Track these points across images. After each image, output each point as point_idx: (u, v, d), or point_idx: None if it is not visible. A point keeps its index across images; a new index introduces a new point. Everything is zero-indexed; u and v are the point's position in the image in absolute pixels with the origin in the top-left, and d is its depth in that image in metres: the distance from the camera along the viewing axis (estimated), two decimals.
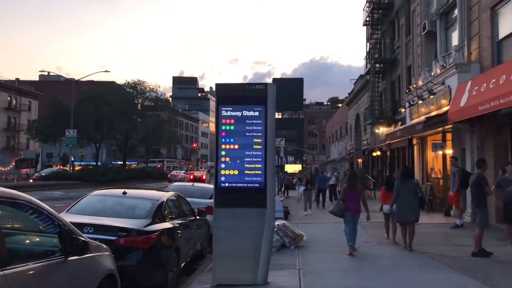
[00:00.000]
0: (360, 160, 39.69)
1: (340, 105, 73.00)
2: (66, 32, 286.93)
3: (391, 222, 10.88)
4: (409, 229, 9.65)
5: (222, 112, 6.88)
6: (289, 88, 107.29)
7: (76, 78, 46.33)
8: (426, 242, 10.43)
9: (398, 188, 9.82)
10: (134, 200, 7.51)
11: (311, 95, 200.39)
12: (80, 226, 5.92)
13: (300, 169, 35.87)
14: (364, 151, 36.49)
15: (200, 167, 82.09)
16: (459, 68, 14.03)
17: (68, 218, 6.01)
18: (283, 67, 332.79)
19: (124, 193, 7.56)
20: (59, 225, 4.09)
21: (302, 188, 19.88)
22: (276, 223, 10.80)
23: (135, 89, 53.93)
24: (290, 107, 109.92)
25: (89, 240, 4.52)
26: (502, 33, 12.65)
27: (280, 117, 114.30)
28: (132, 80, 54.43)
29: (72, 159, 49.44)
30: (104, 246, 5.13)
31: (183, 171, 58.33)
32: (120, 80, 62.80)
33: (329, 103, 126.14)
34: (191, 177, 44.82)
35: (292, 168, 54.77)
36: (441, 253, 9.08)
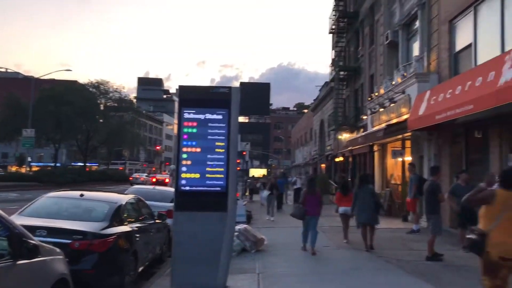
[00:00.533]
0: (323, 165, 40.29)
1: (306, 110, 73.95)
2: (27, 29, 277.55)
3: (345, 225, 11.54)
4: (370, 230, 10.26)
5: (185, 114, 6.81)
6: (256, 93, 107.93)
7: (36, 76, 44.72)
8: (384, 246, 10.69)
9: (356, 193, 10.54)
10: (91, 202, 7.31)
11: (278, 100, 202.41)
12: (33, 229, 5.70)
13: (265, 173, 36.08)
14: (327, 157, 37.08)
15: (163, 170, 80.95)
16: (419, 78, 14.51)
17: (21, 220, 5.81)
18: (250, 71, 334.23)
19: (81, 195, 7.36)
20: (8, 228, 3.93)
21: (266, 192, 19.52)
22: (238, 227, 10.81)
23: (98, 89, 52.67)
24: (256, 111, 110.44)
25: (40, 243, 4.36)
26: (459, 45, 13.19)
27: (246, 121, 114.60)
28: (95, 79, 53.21)
29: (30, 159, 47.76)
30: (57, 249, 4.97)
31: (146, 174, 57.29)
32: (83, 80, 61.34)
33: (295, 109, 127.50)
34: (154, 180, 44.11)
35: (257, 172, 55.07)
36: (397, 257, 9.32)
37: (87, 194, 7.52)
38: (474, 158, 12.55)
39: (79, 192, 7.46)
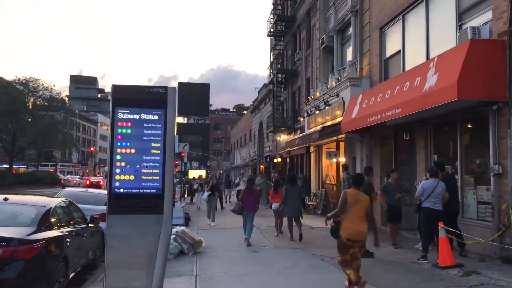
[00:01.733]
0: (262, 166, 40.72)
1: (245, 112, 74.40)
2: None
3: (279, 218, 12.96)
4: (296, 223, 11.87)
5: (119, 114, 6.58)
6: (195, 93, 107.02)
7: None
8: (318, 244, 11.02)
9: (287, 191, 12.07)
10: (17, 206, 6.88)
11: (217, 101, 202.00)
12: None
13: (202, 174, 35.67)
14: (266, 158, 37.53)
15: (98, 172, 77.90)
16: (352, 82, 15.10)
17: None
18: (190, 72, 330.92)
19: (6, 199, 6.90)
20: None
21: (206, 194, 17.48)
22: (175, 229, 10.67)
23: (26, 87, 49.73)
24: (195, 112, 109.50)
25: None
26: (389, 52, 13.89)
27: (185, 122, 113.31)
28: (23, 76, 50.19)
29: None
30: None
31: (79, 176, 54.93)
32: (10, 77, 57.57)
33: (234, 110, 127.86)
34: (88, 182, 42.29)
35: (196, 173, 54.46)
36: (331, 255, 9.59)
37: (12, 198, 7.07)
38: (403, 159, 13.27)
39: (3, 196, 7.00)
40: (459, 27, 10.07)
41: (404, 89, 10.57)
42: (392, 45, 13.67)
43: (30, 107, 50.28)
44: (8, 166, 50.28)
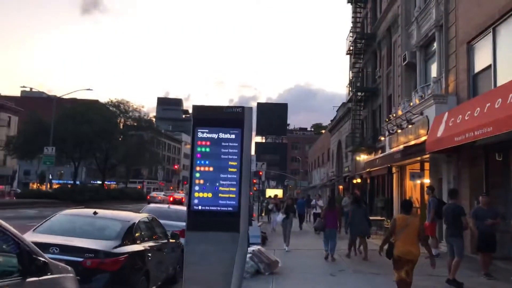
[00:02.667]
0: (341, 186, 39.85)
1: (323, 131, 73.72)
2: (51, 48, 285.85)
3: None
4: (363, 242, 12.62)
5: (198, 133, 6.81)
6: (273, 113, 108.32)
7: (58, 95, 45.79)
8: None
9: (353, 212, 13.00)
10: (104, 220, 7.33)
11: (295, 121, 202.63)
12: (46, 246, 5.74)
13: (279, 194, 35.16)
14: (345, 178, 36.70)
15: (181, 189, 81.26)
16: (437, 99, 14.34)
17: (34, 237, 5.86)
18: (268, 92, 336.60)
19: (95, 213, 7.39)
20: (18, 245, 3.94)
21: (281, 216, 15.90)
22: (252, 248, 10.71)
23: (118, 108, 53.63)
24: (273, 131, 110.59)
25: (51, 261, 4.35)
26: (478, 67, 13.03)
27: (263, 141, 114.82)
28: (115, 99, 54.22)
29: (50, 177, 48.53)
30: (69, 268, 4.96)
31: (163, 193, 57.52)
32: (104, 99, 62.52)
33: (312, 129, 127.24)
34: (171, 199, 44.19)
35: (273, 192, 54.67)
36: (415, 282, 9.01)
37: (100, 212, 7.54)
38: (495, 181, 12.24)
39: (92, 210, 7.50)
40: None
41: (495, 106, 9.80)
42: (481, 60, 12.81)
43: (121, 127, 53.98)
44: (100, 182, 54.17)
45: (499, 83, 11.39)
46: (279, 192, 56.43)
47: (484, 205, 9.97)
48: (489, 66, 12.24)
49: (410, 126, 16.23)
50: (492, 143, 11.38)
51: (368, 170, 24.13)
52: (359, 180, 30.04)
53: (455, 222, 9.02)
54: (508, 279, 9.20)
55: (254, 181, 44.56)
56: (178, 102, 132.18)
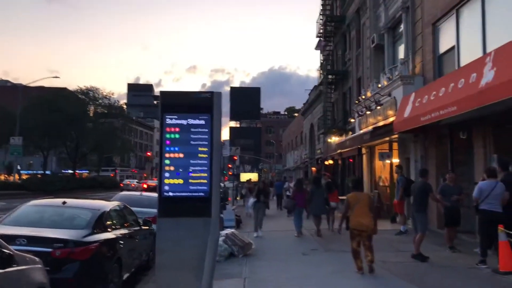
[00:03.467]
0: (314, 168, 40.36)
1: (296, 114, 74.10)
2: (15, 35, 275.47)
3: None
4: (319, 219, 13.55)
5: (167, 120, 6.76)
6: (247, 97, 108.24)
7: (24, 84, 44.41)
8: None
9: (313, 192, 13.74)
10: (74, 210, 7.26)
11: (269, 104, 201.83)
12: (12, 238, 5.67)
13: (253, 178, 35.24)
14: (317, 160, 37.17)
15: (154, 177, 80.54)
16: (404, 80, 14.62)
17: (0, 230, 5.76)
18: (242, 76, 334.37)
19: (64, 202, 7.30)
20: None
21: (252, 200, 15.36)
22: (225, 232, 10.81)
23: (87, 96, 52.40)
24: (247, 116, 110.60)
25: (17, 252, 4.32)
26: (443, 48, 13.32)
27: (237, 126, 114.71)
28: (84, 86, 52.93)
29: (19, 167, 47.32)
30: (36, 258, 4.92)
31: (137, 180, 57.01)
32: (72, 87, 60.92)
33: (286, 113, 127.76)
34: (145, 186, 43.85)
35: (248, 176, 54.88)
36: (384, 259, 9.33)
37: (70, 201, 7.46)
38: (460, 159, 12.65)
39: (61, 200, 7.40)
40: None
41: (459, 86, 10.08)
42: (446, 41, 13.10)
43: (91, 115, 52.89)
44: (72, 171, 53.16)
45: (462, 64, 11.69)
46: (254, 176, 56.62)
47: (451, 182, 10.33)
48: (453, 47, 12.53)
49: (378, 107, 16.51)
50: (457, 122, 11.72)
51: (339, 151, 24.50)
52: (331, 162, 30.49)
53: (421, 199, 9.33)
54: (472, 251, 9.60)
55: (230, 165, 44.68)
56: (149, 88, 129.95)
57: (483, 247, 8.45)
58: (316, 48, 37.57)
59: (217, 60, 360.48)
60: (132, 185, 48.39)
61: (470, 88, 9.47)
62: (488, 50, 10.21)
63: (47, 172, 53.01)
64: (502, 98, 8.21)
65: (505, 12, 10.05)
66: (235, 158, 41.91)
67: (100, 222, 6.93)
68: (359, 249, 7.97)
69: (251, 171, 77.73)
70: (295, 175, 49.38)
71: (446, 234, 10.38)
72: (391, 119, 14.91)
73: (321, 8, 31.57)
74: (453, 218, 10.17)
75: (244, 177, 51.10)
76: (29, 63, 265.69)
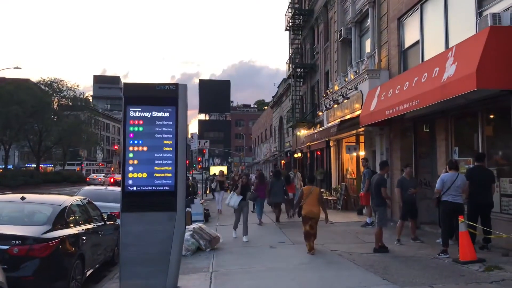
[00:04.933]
0: (283, 161, 40.60)
1: (266, 107, 74.21)
2: None
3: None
4: (277, 207, 15.57)
5: (130, 112, 6.64)
6: (216, 90, 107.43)
7: None
8: (337, 240, 10.91)
9: (272, 183, 15.45)
10: (33, 205, 7.00)
11: (239, 97, 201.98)
12: None
13: (225, 170, 34.82)
14: (287, 153, 37.39)
15: None
16: (370, 74, 14.82)
17: None
18: (212, 68, 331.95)
19: (23, 198, 7.04)
20: None
21: (236, 197, 11.69)
22: (193, 226, 10.73)
23: (51, 87, 50.91)
24: (217, 109, 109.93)
25: None
26: (407, 42, 13.56)
27: (207, 119, 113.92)
28: (48, 78, 51.33)
29: None
30: None
31: (103, 174, 55.83)
32: (35, 79, 58.99)
33: (256, 106, 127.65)
34: (112, 180, 43.02)
35: (218, 169, 54.65)
36: (349, 250, 9.50)
37: (29, 197, 7.21)
38: (423, 151, 12.97)
39: (20, 195, 7.14)
40: (479, 14, 9.73)
41: (422, 80, 10.29)
42: (411, 36, 13.35)
43: (55, 107, 51.43)
44: (35, 165, 51.59)
45: (426, 58, 11.94)
46: (224, 169, 56.45)
47: (408, 175, 10.57)
48: (418, 42, 12.78)
49: (345, 101, 16.70)
50: (420, 116, 11.99)
51: (307, 144, 24.70)
52: (300, 155, 30.72)
53: (378, 193, 9.46)
54: (434, 242, 9.87)
55: (199, 159, 44.28)
56: (115, 80, 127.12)
57: (444, 238, 8.70)
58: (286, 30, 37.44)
59: (187, 52, 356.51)
60: (99, 179, 47.37)
61: (432, 82, 9.68)
62: (451, 45, 10.45)
63: (9, 166, 51.23)
64: (463, 92, 8.43)
65: (467, 8, 10.29)
66: (204, 151, 41.63)
67: (61, 217, 6.72)
68: (312, 231, 9.33)
69: (221, 164, 77.50)
70: (265, 168, 49.54)
71: (410, 225, 10.63)
72: (357, 113, 15.11)
73: (290, 1, 31.62)
74: (410, 211, 10.38)
75: (214, 170, 50.86)
76: None
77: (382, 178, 9.58)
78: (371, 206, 10.84)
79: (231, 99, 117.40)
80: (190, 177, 27.23)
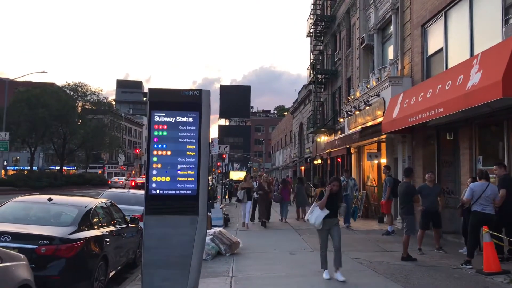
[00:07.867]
0: (303, 167, 40.47)
1: (286, 113, 74.16)
2: (3, 29, 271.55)
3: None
4: (302, 209, 17.23)
5: (155, 117, 6.75)
6: (237, 95, 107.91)
7: (11, 78, 43.80)
8: (358, 248, 10.82)
9: (298, 188, 17.96)
10: (59, 207, 7.18)
11: (259, 103, 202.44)
12: None
13: (249, 174, 34.50)
14: (306, 159, 37.27)
15: (143, 174, 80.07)
16: (393, 81, 14.72)
17: None
18: (233, 73, 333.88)
19: (50, 199, 7.23)
20: None
21: (319, 211, 9.19)
22: (213, 230, 10.80)
23: (75, 92, 52.03)
24: (237, 114, 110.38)
25: (1, 248, 4.27)
26: (431, 49, 13.43)
27: (227, 124, 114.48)
28: (73, 82, 52.54)
29: (5, 163, 46.75)
30: (21, 255, 4.87)
31: (125, 178, 56.63)
32: (60, 83, 60.36)
33: (275, 111, 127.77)
34: (133, 184, 43.57)
35: (237, 175, 54.73)
36: (370, 258, 9.42)
37: (55, 198, 7.38)
38: (446, 160, 12.79)
39: (47, 196, 7.33)
40: (506, 21, 9.59)
41: (446, 87, 10.18)
42: (434, 43, 13.22)
43: (79, 111, 52.47)
44: (59, 167, 52.65)
45: (450, 65, 11.81)
46: (242, 174, 56.41)
47: (429, 182, 10.38)
48: (441, 49, 12.65)
49: (367, 107, 16.61)
50: (444, 124, 11.85)
51: (328, 151, 24.59)
52: (319, 161, 30.60)
53: (406, 201, 9.38)
54: (457, 252, 9.71)
55: (219, 164, 44.55)
56: (138, 84, 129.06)
57: (470, 248, 8.52)
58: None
59: (208, 57, 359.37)
60: (120, 182, 48.03)
61: (457, 90, 9.57)
62: (476, 52, 10.33)
63: (34, 168, 52.46)
64: (487, 100, 8.31)
65: (493, 15, 10.16)
66: (224, 156, 41.82)
67: (86, 219, 6.88)
68: None
69: (240, 169, 77.73)
70: (284, 174, 49.47)
71: (434, 235, 10.46)
72: (379, 120, 15.01)
73: (312, 7, 31.67)
74: (432, 220, 10.19)
75: (233, 175, 50.98)
76: (17, 59, 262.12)
77: (410, 186, 9.52)
78: (399, 214, 10.69)
79: (251, 105, 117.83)
80: (210, 182, 27.50)
